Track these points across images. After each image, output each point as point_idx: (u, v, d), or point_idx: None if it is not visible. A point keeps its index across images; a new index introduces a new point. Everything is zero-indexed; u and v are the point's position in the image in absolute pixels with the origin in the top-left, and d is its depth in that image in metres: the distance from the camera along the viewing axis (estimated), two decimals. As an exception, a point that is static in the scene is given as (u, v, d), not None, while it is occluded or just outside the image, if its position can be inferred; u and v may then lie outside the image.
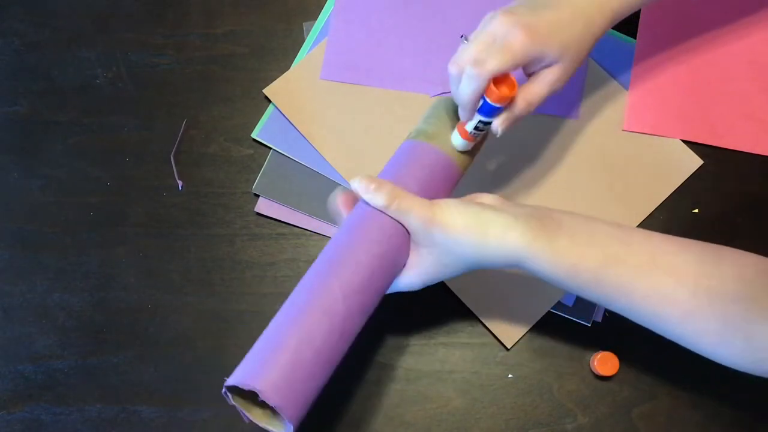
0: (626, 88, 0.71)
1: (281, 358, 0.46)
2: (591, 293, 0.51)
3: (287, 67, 0.72)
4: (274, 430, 0.48)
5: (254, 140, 0.71)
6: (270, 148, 0.70)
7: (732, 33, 0.71)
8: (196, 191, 0.71)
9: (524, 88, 0.54)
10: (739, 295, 0.48)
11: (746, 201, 0.69)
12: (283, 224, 0.70)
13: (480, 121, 0.54)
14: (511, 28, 0.51)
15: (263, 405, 0.48)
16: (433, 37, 0.72)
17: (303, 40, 0.73)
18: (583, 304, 0.67)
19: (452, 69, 0.53)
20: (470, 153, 0.58)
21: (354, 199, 0.55)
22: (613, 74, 0.71)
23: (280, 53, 0.73)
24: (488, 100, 0.52)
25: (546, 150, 0.70)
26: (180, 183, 0.70)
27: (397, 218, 0.52)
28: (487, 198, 0.54)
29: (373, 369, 0.67)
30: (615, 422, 0.66)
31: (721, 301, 0.48)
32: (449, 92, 0.69)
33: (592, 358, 0.66)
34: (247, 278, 0.69)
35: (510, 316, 0.67)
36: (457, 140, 0.56)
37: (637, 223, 0.69)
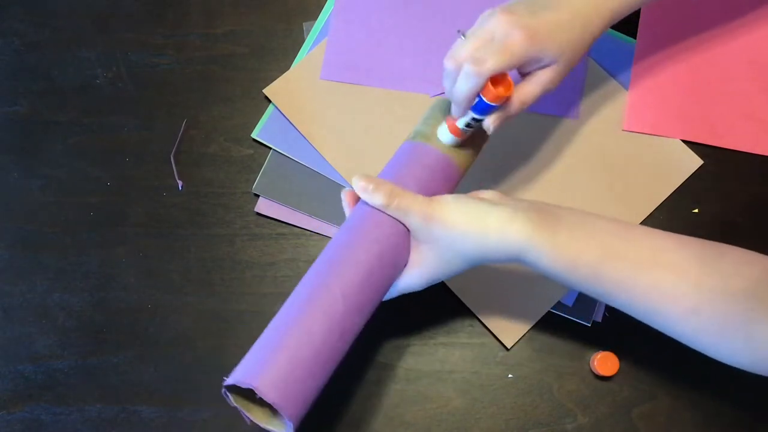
0: (626, 87, 0.71)
1: (279, 356, 0.46)
2: (591, 288, 0.51)
3: (287, 67, 0.72)
4: (275, 430, 0.48)
5: (254, 140, 0.71)
6: (270, 148, 0.70)
7: (732, 33, 0.71)
8: (196, 191, 0.71)
9: (518, 87, 0.54)
10: (741, 293, 0.48)
11: (746, 201, 0.70)
12: (283, 224, 0.70)
13: (472, 118, 0.54)
14: (511, 28, 0.51)
15: (264, 405, 0.48)
16: (433, 37, 0.72)
17: (303, 40, 0.73)
18: (583, 304, 0.67)
19: (448, 64, 0.53)
20: (471, 153, 0.58)
21: (358, 197, 0.55)
22: (613, 74, 0.71)
23: (280, 53, 0.73)
24: (484, 98, 0.52)
25: (546, 150, 0.70)
26: (180, 183, 0.70)
27: (396, 217, 0.52)
28: (486, 193, 0.54)
29: (373, 369, 0.67)
30: (615, 422, 0.66)
31: (722, 299, 0.48)
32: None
33: (592, 358, 0.66)
34: (247, 278, 0.69)
35: (510, 316, 0.67)
36: (445, 135, 0.56)
37: (637, 223, 0.69)
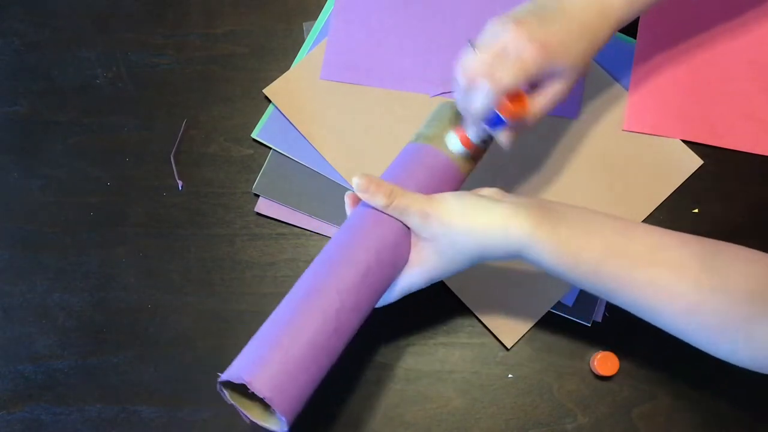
0: (626, 88, 0.71)
1: (272, 352, 0.47)
2: (591, 285, 0.51)
3: (287, 67, 0.72)
4: (272, 427, 0.48)
5: (254, 140, 0.71)
6: (270, 148, 0.70)
7: (732, 33, 0.71)
8: (196, 191, 0.71)
9: (531, 100, 0.54)
10: (741, 291, 0.48)
11: (746, 201, 0.70)
12: (283, 224, 0.70)
13: (487, 133, 0.55)
14: (525, 41, 0.51)
15: (260, 402, 0.48)
16: (433, 37, 0.72)
17: (303, 40, 0.73)
18: (583, 304, 0.67)
19: (461, 78, 0.53)
20: (473, 156, 0.58)
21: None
22: (614, 74, 0.71)
23: (280, 53, 0.73)
24: (501, 115, 0.52)
25: (546, 150, 0.70)
26: (180, 183, 0.70)
27: (396, 216, 0.52)
28: (487, 191, 0.54)
29: (373, 369, 0.67)
30: (615, 422, 0.66)
31: (721, 297, 0.48)
32: (449, 92, 0.69)
33: (592, 358, 0.66)
34: (247, 278, 0.69)
35: (510, 316, 0.67)
36: (457, 147, 0.56)
37: (637, 223, 0.69)
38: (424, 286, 0.54)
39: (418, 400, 0.67)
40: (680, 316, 0.49)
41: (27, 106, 0.72)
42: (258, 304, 0.68)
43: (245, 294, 0.69)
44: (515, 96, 0.52)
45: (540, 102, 0.54)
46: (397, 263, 0.52)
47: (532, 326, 0.67)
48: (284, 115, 0.70)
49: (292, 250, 0.69)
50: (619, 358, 0.65)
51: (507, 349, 0.67)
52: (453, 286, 0.67)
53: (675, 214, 0.69)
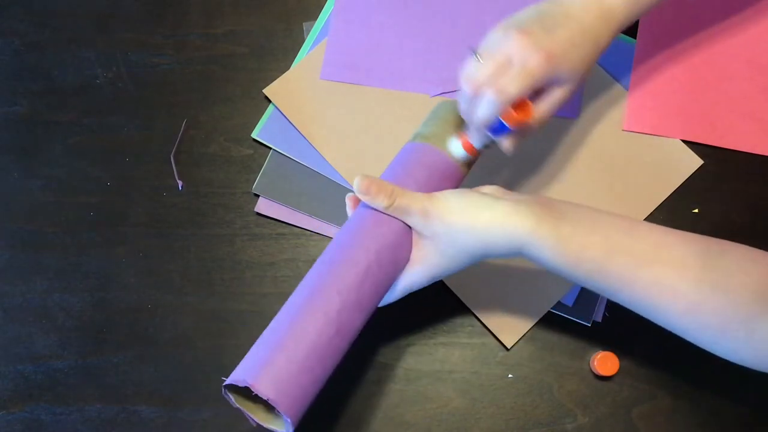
0: (626, 88, 0.71)
1: (275, 354, 0.47)
2: (593, 283, 0.50)
3: (287, 67, 0.72)
4: (279, 429, 0.48)
5: (254, 140, 0.71)
6: (270, 148, 0.70)
7: (732, 32, 0.71)
8: (196, 191, 0.71)
9: (535, 107, 0.54)
10: (742, 290, 0.48)
11: (746, 201, 0.70)
12: (283, 224, 0.70)
13: (490, 140, 0.55)
14: (530, 51, 0.51)
15: (265, 405, 0.48)
16: (433, 37, 0.72)
17: (303, 40, 0.73)
18: (583, 304, 0.67)
19: (466, 87, 0.53)
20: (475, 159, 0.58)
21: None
22: (613, 74, 0.71)
23: (280, 53, 0.73)
24: (505, 123, 0.52)
25: (546, 150, 0.70)
26: (180, 183, 0.70)
27: (398, 216, 0.52)
28: (488, 188, 0.54)
29: (373, 369, 0.67)
30: (615, 422, 0.66)
31: (723, 296, 0.48)
32: (449, 92, 0.69)
33: (592, 358, 0.66)
34: (247, 278, 0.69)
35: (510, 316, 0.67)
36: (459, 152, 0.56)
37: (637, 223, 0.69)
38: (425, 285, 0.54)
39: (418, 400, 0.67)
40: (682, 315, 0.49)
41: (27, 106, 0.72)
42: (258, 304, 0.68)
43: (245, 294, 0.69)
44: (519, 104, 0.52)
45: (543, 108, 0.55)
46: (399, 262, 0.52)
47: (532, 326, 0.67)
48: (284, 115, 0.70)
49: (292, 250, 0.69)
50: (619, 358, 0.65)
51: (507, 349, 0.67)
52: (453, 286, 0.67)
53: (675, 214, 0.69)
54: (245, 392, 0.47)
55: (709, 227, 0.69)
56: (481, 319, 0.67)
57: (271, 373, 0.46)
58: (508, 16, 0.54)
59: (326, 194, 0.69)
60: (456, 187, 0.57)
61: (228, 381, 0.47)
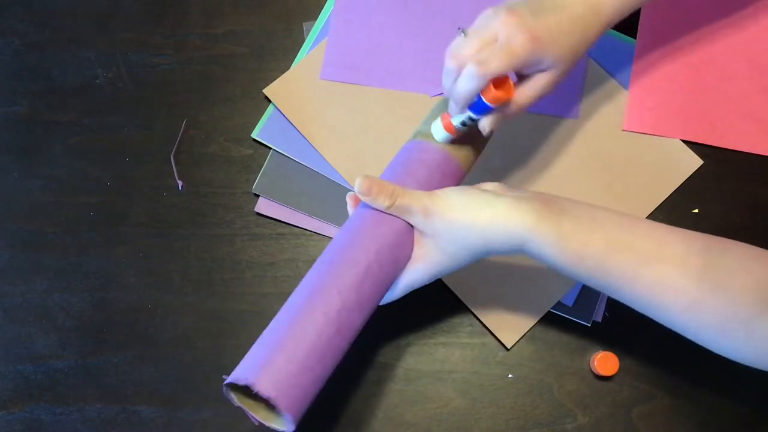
0: (626, 87, 0.71)
1: (275, 353, 0.47)
2: (594, 280, 0.50)
3: (287, 67, 0.72)
4: (280, 428, 0.48)
5: (254, 140, 0.71)
6: (270, 148, 0.70)
7: (732, 32, 0.71)
8: (196, 191, 0.71)
9: (517, 90, 0.54)
10: (743, 288, 0.48)
11: (746, 201, 0.70)
12: (283, 224, 0.70)
13: (469, 117, 0.54)
14: (515, 29, 0.51)
15: (267, 403, 0.48)
16: (433, 37, 0.72)
17: (303, 40, 0.73)
18: (583, 304, 0.67)
19: (450, 62, 0.53)
20: (471, 149, 0.58)
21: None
22: (613, 74, 0.71)
23: (280, 53, 0.73)
24: (484, 99, 0.52)
25: (546, 150, 0.70)
26: (180, 183, 0.70)
27: (399, 215, 0.52)
28: (489, 185, 0.54)
29: (373, 369, 0.67)
30: (615, 422, 0.66)
31: (723, 294, 0.48)
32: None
33: (592, 358, 0.66)
34: (247, 278, 0.69)
35: (510, 316, 0.67)
36: (439, 132, 0.56)
37: (637, 223, 0.69)
38: (427, 282, 0.54)
39: (418, 400, 0.67)
40: (683, 313, 0.49)
41: (27, 106, 0.72)
42: (258, 304, 0.68)
43: (245, 294, 0.69)
44: (501, 82, 0.52)
45: (526, 92, 0.54)
46: (399, 261, 0.52)
47: (533, 326, 0.67)
48: (284, 115, 0.70)
49: (292, 250, 0.69)
50: (619, 358, 0.65)
51: (507, 349, 0.67)
52: (453, 286, 0.67)
53: (675, 214, 0.69)
54: (246, 391, 0.47)
55: (709, 227, 0.69)
56: (481, 318, 0.67)
57: (271, 372, 0.46)
58: None
59: (326, 194, 0.69)
60: (456, 184, 0.57)
61: (229, 380, 0.47)
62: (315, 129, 0.70)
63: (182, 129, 0.71)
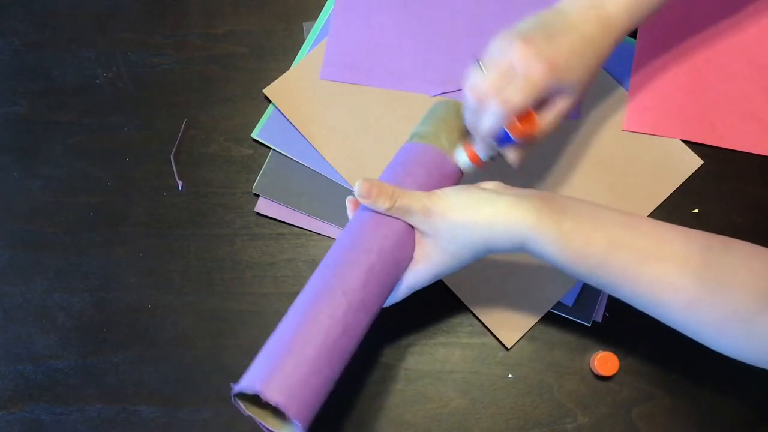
0: (626, 88, 0.71)
1: (281, 358, 0.47)
2: (596, 279, 0.50)
3: (287, 67, 0.72)
4: None
5: (254, 140, 0.71)
6: (270, 148, 0.70)
7: (732, 32, 0.71)
8: (196, 191, 0.71)
9: (539, 117, 0.55)
10: (743, 286, 0.48)
11: (746, 201, 0.70)
12: (283, 224, 0.70)
13: (496, 152, 0.56)
14: (533, 61, 0.51)
15: (276, 411, 0.48)
16: (433, 36, 0.72)
17: (303, 40, 0.73)
18: (583, 304, 0.67)
19: (471, 98, 0.54)
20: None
21: None
22: (613, 74, 0.71)
23: (280, 53, 0.73)
24: (510, 135, 0.53)
25: (546, 150, 0.70)
26: (180, 183, 0.71)
27: (399, 217, 0.52)
28: (489, 184, 0.54)
29: (373, 369, 0.67)
30: (615, 422, 0.66)
31: (723, 292, 0.48)
32: (449, 92, 0.70)
33: (592, 358, 0.66)
34: (247, 278, 0.69)
35: (510, 316, 0.67)
36: (465, 162, 0.57)
37: (637, 223, 0.69)
38: (429, 283, 0.54)
39: (418, 400, 0.67)
40: (683, 311, 0.49)
41: (27, 106, 0.72)
42: (258, 304, 0.68)
43: (245, 294, 0.69)
44: (524, 115, 0.53)
45: (547, 118, 0.55)
46: (401, 261, 0.52)
47: (533, 326, 0.67)
48: (284, 115, 0.70)
49: (292, 250, 0.69)
50: (619, 358, 0.65)
51: (507, 349, 0.67)
52: (453, 286, 0.67)
53: (675, 214, 0.69)
54: (255, 399, 0.47)
55: (709, 227, 0.68)
56: (481, 318, 0.67)
57: (279, 379, 0.46)
58: (509, 24, 0.55)
59: (326, 194, 0.69)
60: (455, 184, 0.57)
61: (237, 389, 0.46)
62: (315, 129, 0.70)
63: (182, 129, 0.71)
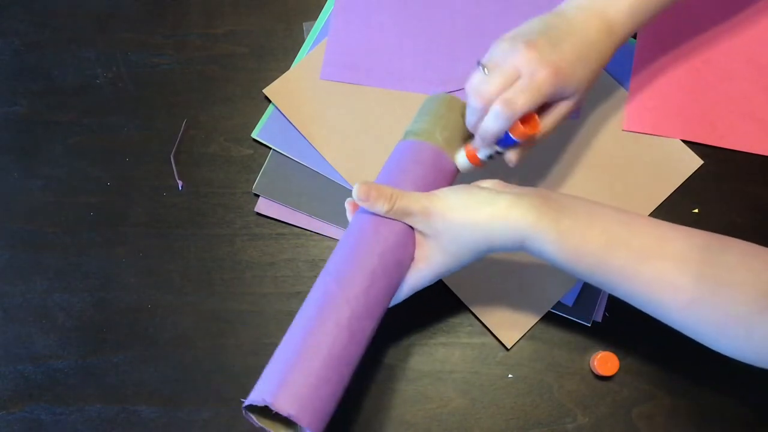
0: (626, 88, 0.71)
1: (289, 368, 0.46)
2: (593, 277, 0.50)
3: (287, 67, 0.72)
4: None
5: (254, 140, 0.71)
6: (270, 148, 0.70)
7: (732, 32, 0.71)
8: (196, 191, 0.71)
9: (541, 120, 0.55)
10: (743, 285, 0.48)
11: (746, 201, 0.70)
12: (283, 224, 0.70)
13: (495, 151, 0.56)
14: (538, 66, 0.52)
15: (289, 422, 0.48)
16: (433, 36, 0.72)
17: (303, 40, 0.73)
18: (583, 304, 0.67)
19: (475, 101, 0.54)
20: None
21: None
22: (613, 74, 0.71)
23: (280, 53, 0.73)
24: (512, 136, 0.53)
25: (546, 150, 0.70)
26: (180, 183, 0.71)
27: (399, 218, 0.52)
28: (488, 182, 0.55)
29: (374, 369, 0.67)
30: (615, 422, 0.66)
31: (723, 291, 0.48)
32: (449, 92, 0.69)
33: (592, 358, 0.66)
34: (247, 278, 0.69)
35: (510, 315, 0.67)
36: (464, 163, 0.57)
37: (637, 223, 0.69)
38: (431, 283, 0.54)
39: (418, 400, 0.67)
40: (682, 310, 0.49)
41: (27, 106, 0.72)
42: (258, 304, 0.68)
43: (245, 294, 0.69)
44: (527, 117, 0.53)
45: (549, 121, 0.55)
46: (402, 263, 0.52)
47: (533, 326, 0.67)
48: (284, 115, 0.70)
49: (292, 250, 0.69)
50: (619, 358, 0.65)
51: (507, 349, 0.67)
52: (453, 286, 0.67)
53: (675, 214, 0.69)
54: (265, 411, 0.47)
55: (709, 227, 0.68)
56: (481, 319, 0.67)
57: (289, 389, 0.45)
58: (509, 24, 0.55)
59: (326, 194, 0.69)
60: (452, 180, 0.57)
61: (247, 402, 0.46)
62: (315, 129, 0.70)
63: (182, 129, 0.71)
